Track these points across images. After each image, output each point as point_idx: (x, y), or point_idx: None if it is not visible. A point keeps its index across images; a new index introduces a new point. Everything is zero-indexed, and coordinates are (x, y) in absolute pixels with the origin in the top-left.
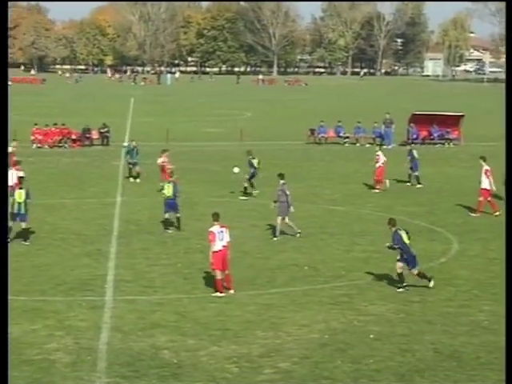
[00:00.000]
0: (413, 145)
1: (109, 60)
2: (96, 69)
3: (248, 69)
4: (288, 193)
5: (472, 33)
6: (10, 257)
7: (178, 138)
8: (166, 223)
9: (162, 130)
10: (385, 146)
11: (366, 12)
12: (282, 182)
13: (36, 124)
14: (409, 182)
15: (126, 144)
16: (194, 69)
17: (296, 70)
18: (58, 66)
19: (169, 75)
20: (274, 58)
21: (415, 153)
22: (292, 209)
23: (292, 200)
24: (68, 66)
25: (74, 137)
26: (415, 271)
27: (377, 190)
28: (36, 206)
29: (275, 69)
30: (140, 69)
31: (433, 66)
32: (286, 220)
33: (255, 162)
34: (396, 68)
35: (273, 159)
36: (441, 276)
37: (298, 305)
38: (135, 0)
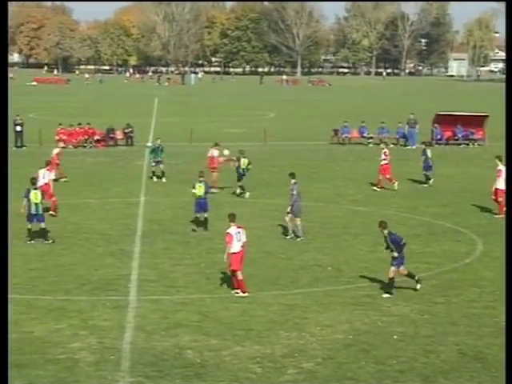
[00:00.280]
0: (427, 144)
1: (133, 60)
2: (120, 69)
3: (272, 69)
4: (295, 192)
5: (497, 33)
6: (35, 256)
7: (201, 139)
8: (196, 222)
9: (186, 130)
10: (409, 147)
11: (390, 12)
12: (293, 181)
13: (60, 124)
14: (425, 182)
15: (149, 144)
16: (218, 69)
17: (320, 70)
18: (82, 67)
19: (193, 75)
20: (298, 59)
21: (429, 152)
22: (293, 209)
23: (296, 199)
24: (92, 67)
25: (98, 137)
26: (404, 271)
27: (377, 189)
28: (60, 205)
29: (299, 69)
30: (164, 69)
31: (457, 66)
32: (287, 218)
33: (243, 161)
34: (420, 68)
35: (296, 159)
36: (465, 277)
37: (322, 305)
38: (160, 0)
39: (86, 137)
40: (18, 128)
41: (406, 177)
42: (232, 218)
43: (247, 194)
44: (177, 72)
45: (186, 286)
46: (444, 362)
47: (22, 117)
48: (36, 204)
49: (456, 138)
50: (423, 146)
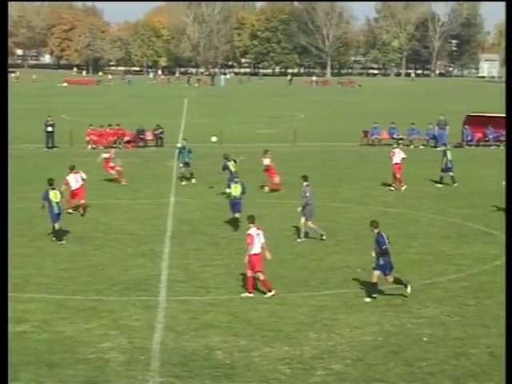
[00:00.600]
0: (448, 146)
1: (163, 62)
2: (150, 70)
3: (301, 70)
4: (308, 194)
5: None
6: (66, 256)
7: (231, 140)
8: (234, 222)
9: (216, 131)
10: (439, 148)
11: (420, 13)
12: (305, 183)
13: (91, 125)
14: (451, 183)
15: (179, 145)
16: (248, 70)
17: (350, 71)
18: (112, 68)
19: (222, 76)
20: (328, 60)
21: (449, 154)
22: (299, 209)
23: (309, 202)
24: (122, 68)
25: (128, 138)
26: (391, 278)
27: (392, 188)
28: (91, 206)
29: (329, 70)
30: (194, 70)
31: (488, 67)
32: (309, 223)
33: (230, 164)
34: (450, 69)
35: (326, 160)
36: (496, 279)
37: (351, 307)
38: (190, 0)
39: (116, 138)
40: (50, 129)
41: (436, 178)
42: (251, 219)
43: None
44: (207, 73)
45: (216, 287)
46: (475, 364)
47: (54, 118)
48: (57, 203)
49: (487, 139)
50: (443, 148)
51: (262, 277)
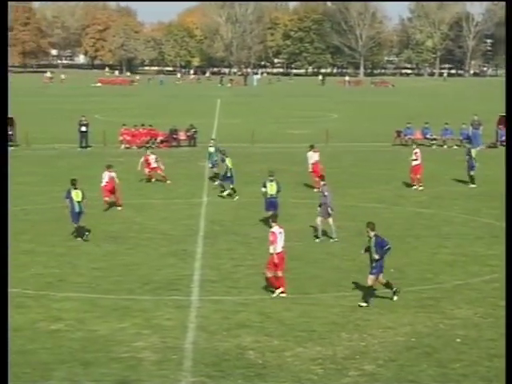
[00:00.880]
0: (471, 145)
1: (196, 62)
2: (177, 70)
3: (334, 70)
4: (326, 194)
5: None
6: (100, 256)
7: (263, 140)
8: (267, 221)
9: (248, 131)
10: (478, 148)
11: (454, 12)
12: (322, 183)
13: (124, 125)
14: (471, 182)
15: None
16: (281, 70)
17: (383, 71)
18: (146, 68)
19: (255, 76)
20: (361, 60)
21: (473, 153)
22: (330, 210)
23: (332, 201)
24: (156, 68)
25: (161, 138)
26: (382, 280)
27: (420, 188)
28: (125, 205)
29: (362, 70)
30: (226, 70)
31: None
32: (330, 221)
33: (228, 160)
34: (485, 69)
35: (359, 161)
36: None
37: (384, 307)
38: (223, 0)
39: (149, 137)
40: (83, 128)
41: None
42: (274, 218)
43: (225, 193)
44: (239, 73)
45: (248, 287)
46: None
47: (87, 118)
48: (78, 202)
49: None
50: (468, 146)
51: (269, 275)
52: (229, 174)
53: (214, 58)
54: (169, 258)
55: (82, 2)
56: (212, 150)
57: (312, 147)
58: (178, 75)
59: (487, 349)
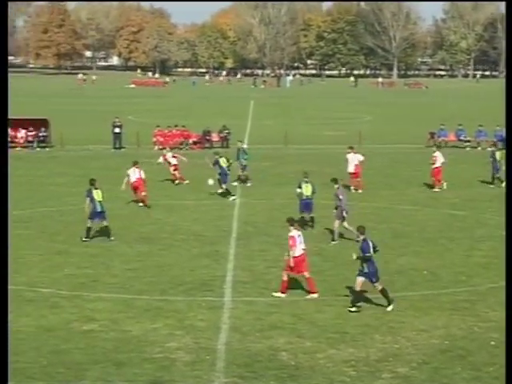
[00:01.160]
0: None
1: (229, 63)
2: (216, 71)
3: (367, 72)
4: (341, 197)
5: None
6: (133, 256)
7: (296, 141)
8: (301, 222)
9: (281, 132)
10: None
11: (489, 13)
12: (335, 186)
13: (158, 126)
14: (496, 184)
15: (245, 146)
16: (314, 72)
17: (416, 72)
18: (179, 69)
19: (288, 78)
20: (394, 61)
21: (498, 155)
22: (345, 213)
23: (346, 203)
24: (189, 69)
25: (194, 139)
26: (379, 286)
27: (437, 190)
28: (158, 206)
29: (395, 72)
30: (259, 72)
31: None
32: (345, 224)
33: (222, 161)
34: None
35: (392, 162)
36: None
37: (418, 310)
38: (256, 0)
39: (182, 139)
40: (117, 130)
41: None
42: (292, 221)
43: (232, 198)
44: (272, 74)
45: None
46: None
47: (121, 119)
48: (100, 202)
49: None
50: (492, 149)
51: (286, 277)
52: (227, 172)
53: (247, 60)
54: (202, 259)
55: (116, 4)
56: (239, 151)
57: (351, 148)
58: (207, 77)
59: None
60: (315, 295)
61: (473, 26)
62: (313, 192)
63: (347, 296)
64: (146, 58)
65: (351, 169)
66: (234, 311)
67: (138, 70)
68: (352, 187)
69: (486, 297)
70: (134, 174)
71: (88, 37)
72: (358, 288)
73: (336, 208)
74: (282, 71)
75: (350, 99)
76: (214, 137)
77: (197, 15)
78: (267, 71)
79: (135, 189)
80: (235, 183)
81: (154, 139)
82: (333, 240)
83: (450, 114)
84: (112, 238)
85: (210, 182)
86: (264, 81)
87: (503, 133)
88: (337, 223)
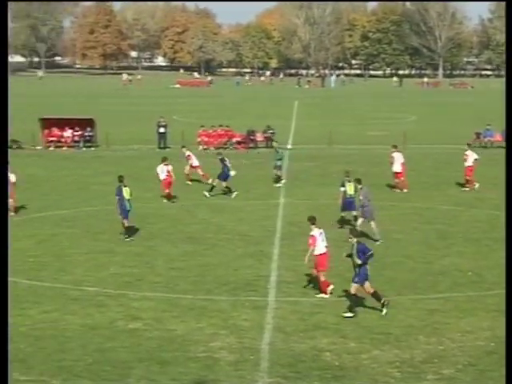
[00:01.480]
0: None
1: (273, 63)
2: (261, 72)
3: (412, 72)
4: (361, 198)
5: None
6: (178, 256)
7: (340, 141)
8: (341, 221)
9: (325, 132)
10: None
11: None
12: (359, 186)
13: (202, 126)
14: None
15: (289, 146)
16: (359, 72)
17: (462, 72)
18: (224, 70)
19: (332, 78)
20: (440, 61)
21: None
22: (367, 213)
23: (367, 204)
24: (234, 69)
25: (238, 139)
26: (369, 289)
27: (467, 189)
28: (203, 206)
29: (440, 71)
30: (304, 72)
31: None
32: (373, 224)
33: (228, 160)
34: None
35: (437, 163)
36: None
37: (462, 311)
38: (301, 0)
39: (227, 139)
40: (162, 130)
41: None
42: (313, 220)
43: (234, 194)
44: (317, 75)
45: None
46: None
47: (165, 119)
48: (128, 200)
49: None
50: None
51: (322, 277)
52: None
53: (291, 60)
54: (246, 259)
55: (161, 4)
56: (276, 152)
57: (395, 147)
58: (246, 77)
59: None
60: (326, 296)
61: None
62: (355, 191)
63: (391, 297)
64: (191, 59)
65: (397, 168)
66: (277, 311)
67: (181, 70)
68: (397, 189)
69: None
70: (162, 171)
71: (134, 37)
72: (353, 291)
73: (362, 206)
74: (326, 71)
75: (394, 99)
76: (259, 137)
77: (242, 15)
78: (312, 71)
79: (168, 184)
80: (278, 184)
81: (199, 139)
82: (376, 241)
83: (497, 115)
84: (121, 233)
85: (232, 173)
86: (308, 81)
87: None
88: (373, 224)
